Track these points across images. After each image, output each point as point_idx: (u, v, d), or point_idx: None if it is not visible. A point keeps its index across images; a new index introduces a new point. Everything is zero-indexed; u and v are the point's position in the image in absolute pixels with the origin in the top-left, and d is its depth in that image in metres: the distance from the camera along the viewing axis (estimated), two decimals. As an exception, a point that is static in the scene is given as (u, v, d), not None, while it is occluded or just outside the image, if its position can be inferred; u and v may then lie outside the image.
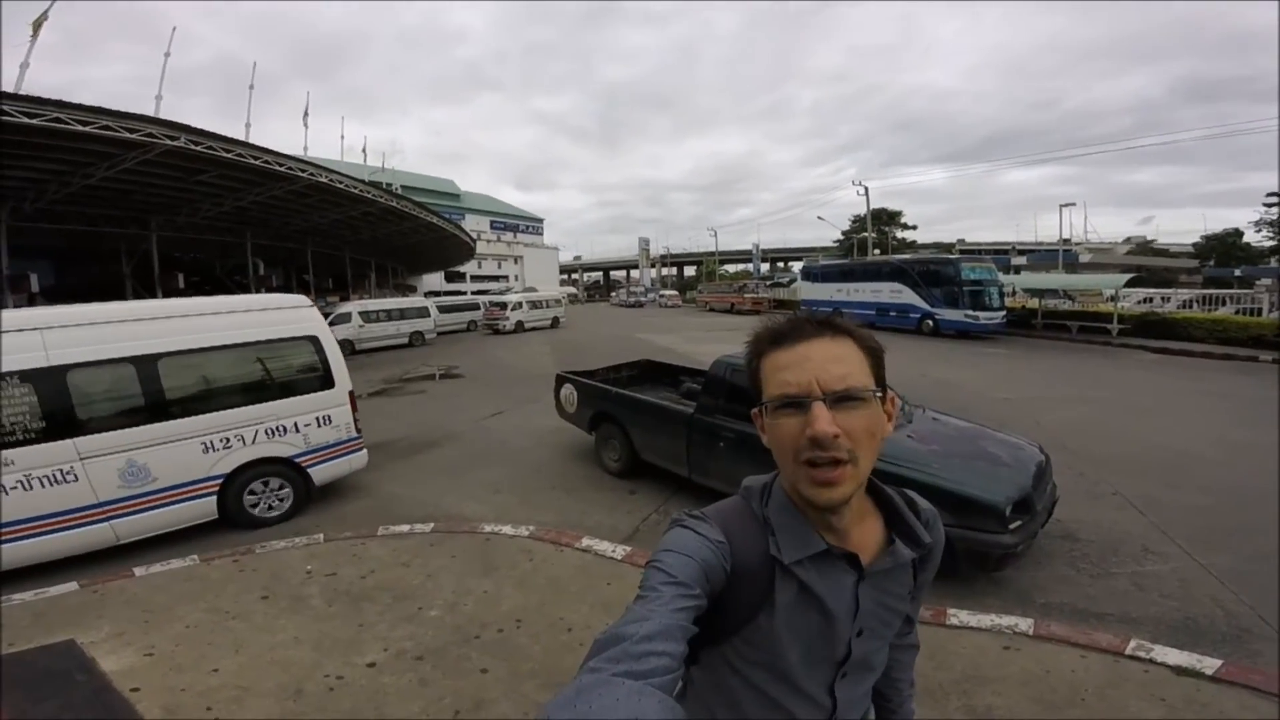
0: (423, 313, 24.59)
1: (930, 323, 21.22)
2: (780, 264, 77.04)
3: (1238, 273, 40.07)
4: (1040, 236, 64.76)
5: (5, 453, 4.51)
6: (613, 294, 75.25)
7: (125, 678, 3.22)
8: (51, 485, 4.70)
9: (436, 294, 39.83)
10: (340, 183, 19.40)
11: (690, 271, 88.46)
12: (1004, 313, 20.56)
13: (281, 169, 16.82)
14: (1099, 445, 7.47)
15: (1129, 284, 20.37)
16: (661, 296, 54.59)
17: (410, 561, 4.60)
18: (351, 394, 6.40)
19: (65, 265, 24.72)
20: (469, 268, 55.23)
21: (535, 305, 30.13)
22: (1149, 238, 67.20)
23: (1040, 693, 3.01)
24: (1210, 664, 3.14)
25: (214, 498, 5.47)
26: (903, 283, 22.56)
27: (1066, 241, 47.17)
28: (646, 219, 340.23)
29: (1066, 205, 44.66)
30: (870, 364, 0.90)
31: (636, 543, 4.94)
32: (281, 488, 5.87)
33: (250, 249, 25.95)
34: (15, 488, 4.55)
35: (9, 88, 15.12)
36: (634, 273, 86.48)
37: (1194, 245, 55.98)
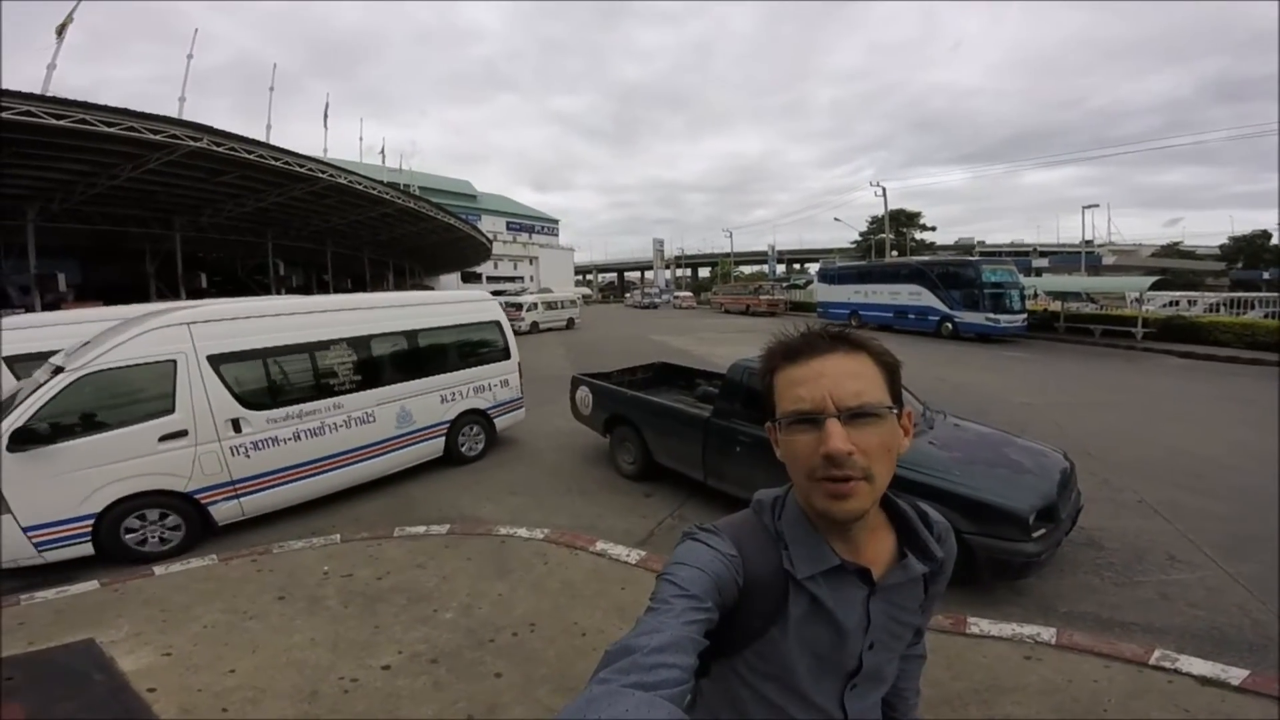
0: (439, 313, 24.66)
1: (949, 325, 20.92)
2: (796, 265, 76.45)
3: (1266, 275, 39.23)
4: (1062, 238, 63.87)
5: (340, 398, 6.14)
6: (627, 295, 75.31)
7: (142, 677, 3.25)
8: (361, 425, 6.31)
9: (453, 294, 40.00)
10: (359, 184, 19.60)
11: (705, 273, 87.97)
12: (1025, 316, 20.20)
13: (302, 170, 17.02)
14: (1123, 451, 7.32)
15: (1154, 287, 19.96)
16: (676, 298, 54.31)
17: (426, 563, 4.61)
18: (519, 364, 8.27)
19: (91, 265, 25.21)
20: (485, 268, 55.59)
21: (550, 306, 30.22)
22: (1175, 240, 65.98)
23: (1061, 703, 2.96)
24: (1236, 674, 3.08)
25: (443, 439, 7.22)
26: (921, 285, 22.26)
27: (1089, 243, 46.47)
28: (661, 220, 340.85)
29: (1090, 206, 44.22)
30: (886, 379, 0.89)
31: (651, 547, 4.93)
32: (478, 433, 7.69)
33: (271, 249, 26.33)
34: (342, 425, 6.13)
35: (37, 89, 15.43)
36: (648, 274, 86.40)
37: (1220, 247, 54.93)
